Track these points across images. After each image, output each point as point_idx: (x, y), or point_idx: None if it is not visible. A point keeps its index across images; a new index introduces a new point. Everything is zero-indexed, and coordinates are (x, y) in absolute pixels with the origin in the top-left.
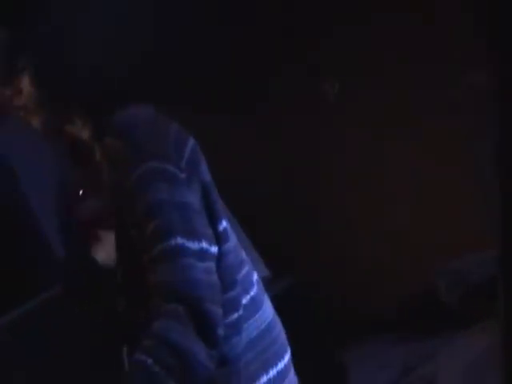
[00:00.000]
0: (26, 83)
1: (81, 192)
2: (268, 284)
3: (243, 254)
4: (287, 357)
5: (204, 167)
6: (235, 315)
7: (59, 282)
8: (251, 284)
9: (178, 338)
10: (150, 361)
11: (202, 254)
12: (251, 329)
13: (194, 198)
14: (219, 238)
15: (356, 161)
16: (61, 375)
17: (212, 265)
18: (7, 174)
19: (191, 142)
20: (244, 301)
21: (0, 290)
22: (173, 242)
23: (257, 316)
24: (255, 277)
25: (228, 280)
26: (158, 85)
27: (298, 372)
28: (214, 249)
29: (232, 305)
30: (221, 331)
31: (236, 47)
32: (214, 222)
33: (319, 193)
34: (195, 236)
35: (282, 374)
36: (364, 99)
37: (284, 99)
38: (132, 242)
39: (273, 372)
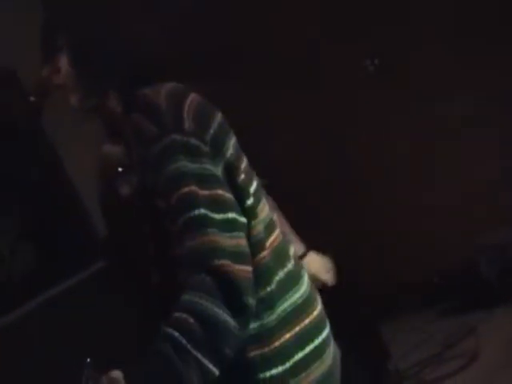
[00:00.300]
0: (63, 62)
1: (120, 168)
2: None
3: (278, 230)
4: (325, 332)
5: (231, 142)
6: (266, 290)
7: (101, 257)
8: (288, 258)
9: (205, 309)
10: (176, 334)
11: (228, 224)
12: (286, 304)
13: (217, 171)
14: (246, 213)
15: (398, 133)
16: (103, 346)
17: (240, 234)
18: (50, 152)
19: (218, 116)
20: (279, 276)
21: (47, 265)
22: (196, 212)
23: (292, 291)
24: (292, 251)
25: (258, 255)
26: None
27: (340, 346)
28: (243, 219)
29: (263, 279)
30: (250, 300)
31: (283, 27)
32: (240, 197)
33: (361, 167)
34: (219, 207)
35: (319, 350)
36: (403, 72)
37: (329, 73)
38: (159, 214)
39: (309, 348)
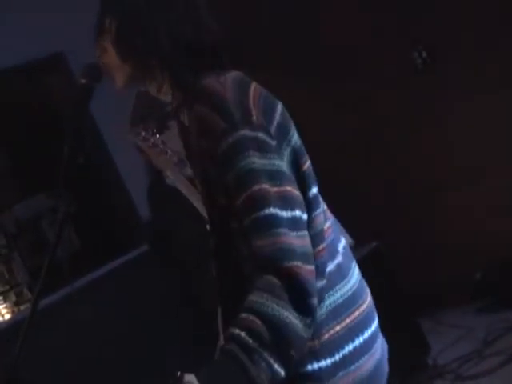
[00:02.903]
0: (108, 42)
1: (175, 159)
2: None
3: (330, 221)
4: (374, 325)
5: (293, 132)
6: (320, 283)
7: (146, 242)
8: (337, 251)
9: (272, 311)
10: (243, 333)
11: (295, 222)
12: (336, 296)
13: (285, 165)
14: (309, 205)
15: (445, 126)
16: (146, 329)
17: (305, 232)
18: (96, 136)
19: (280, 106)
20: (329, 267)
21: (89, 248)
22: (266, 211)
23: (342, 283)
24: (343, 243)
25: (315, 248)
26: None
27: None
28: (305, 215)
29: (318, 272)
30: (315, 300)
31: (334, 21)
32: (304, 188)
33: (408, 159)
34: (288, 204)
35: (368, 343)
36: (451, 66)
37: (376, 67)
38: (221, 209)
39: (359, 340)
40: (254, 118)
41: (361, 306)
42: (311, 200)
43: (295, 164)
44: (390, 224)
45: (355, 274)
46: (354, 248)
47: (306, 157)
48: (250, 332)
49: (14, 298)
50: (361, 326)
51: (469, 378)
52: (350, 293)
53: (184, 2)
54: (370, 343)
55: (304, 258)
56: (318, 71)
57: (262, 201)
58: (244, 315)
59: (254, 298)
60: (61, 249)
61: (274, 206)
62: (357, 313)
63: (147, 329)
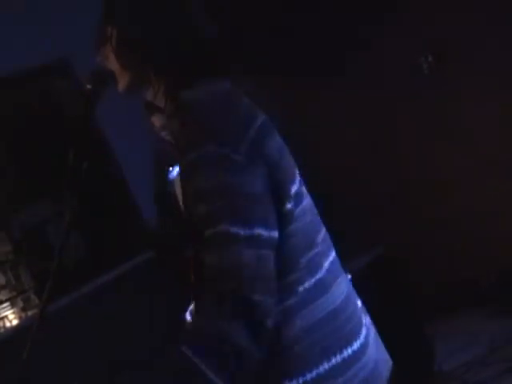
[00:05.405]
0: (109, 50)
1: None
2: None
3: (317, 235)
4: (357, 344)
5: (273, 146)
6: (292, 301)
7: (150, 248)
8: (319, 266)
9: (223, 331)
10: (190, 352)
11: (253, 241)
12: (312, 314)
13: (252, 182)
14: (284, 219)
15: (448, 131)
16: (148, 331)
17: (265, 252)
18: (101, 141)
19: (260, 119)
20: (307, 284)
21: (95, 254)
22: (219, 228)
23: (321, 300)
24: (330, 258)
25: (289, 263)
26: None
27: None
28: (273, 233)
29: (290, 290)
30: (269, 322)
31: (336, 21)
32: (279, 202)
33: (411, 164)
34: (246, 222)
35: (348, 362)
36: (455, 72)
37: (380, 71)
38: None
39: (336, 359)
40: (223, 132)
41: (341, 323)
42: (286, 214)
43: (270, 178)
44: (395, 227)
45: (338, 289)
46: (359, 252)
47: (283, 169)
48: (198, 350)
49: (21, 304)
50: (340, 343)
51: None
52: (329, 309)
53: (182, 11)
54: (351, 362)
55: (258, 276)
56: (320, 75)
57: (217, 217)
58: (194, 331)
59: (203, 316)
60: (67, 254)
61: (230, 223)
62: (335, 331)
63: (153, 335)
